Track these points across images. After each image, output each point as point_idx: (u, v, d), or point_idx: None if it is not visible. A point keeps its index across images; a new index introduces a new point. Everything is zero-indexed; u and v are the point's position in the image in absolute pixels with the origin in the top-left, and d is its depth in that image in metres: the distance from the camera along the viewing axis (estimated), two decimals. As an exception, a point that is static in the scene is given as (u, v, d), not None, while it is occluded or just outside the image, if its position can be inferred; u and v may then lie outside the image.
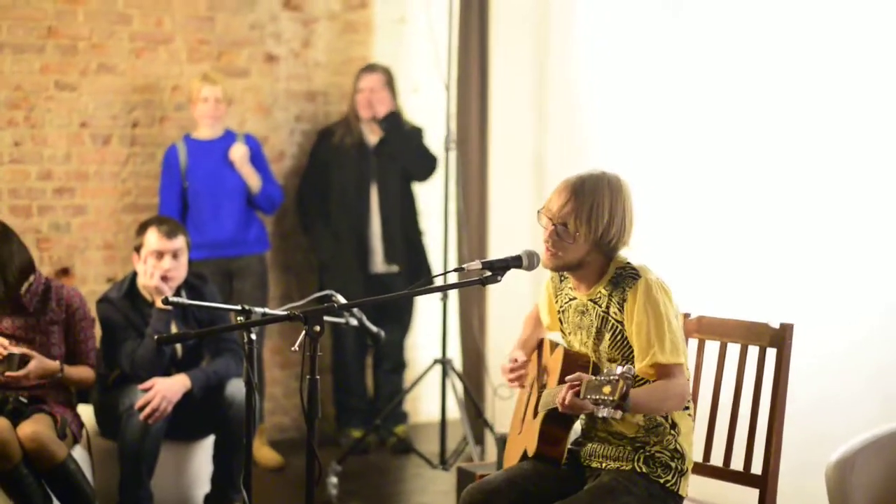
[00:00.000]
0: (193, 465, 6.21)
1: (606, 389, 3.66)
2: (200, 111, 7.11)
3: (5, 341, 5.48)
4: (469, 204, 7.32)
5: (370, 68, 7.57)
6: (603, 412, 3.66)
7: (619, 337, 4.11)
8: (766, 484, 4.28)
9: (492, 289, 7.14)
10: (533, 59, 7.02)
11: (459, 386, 7.02)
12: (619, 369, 3.66)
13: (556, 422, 4.23)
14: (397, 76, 7.76)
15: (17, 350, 5.45)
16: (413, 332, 8.06)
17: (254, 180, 7.15)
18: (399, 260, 7.59)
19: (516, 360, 4.47)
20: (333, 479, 6.56)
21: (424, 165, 7.63)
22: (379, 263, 7.59)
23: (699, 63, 5.76)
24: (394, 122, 7.49)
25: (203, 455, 6.20)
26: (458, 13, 7.20)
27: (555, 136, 6.85)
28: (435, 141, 7.56)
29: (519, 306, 6.74)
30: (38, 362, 5.46)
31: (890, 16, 4.95)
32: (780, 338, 4.31)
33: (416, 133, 7.63)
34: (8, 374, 5.41)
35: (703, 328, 4.57)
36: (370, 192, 7.55)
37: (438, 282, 7.08)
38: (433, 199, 7.86)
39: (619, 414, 3.66)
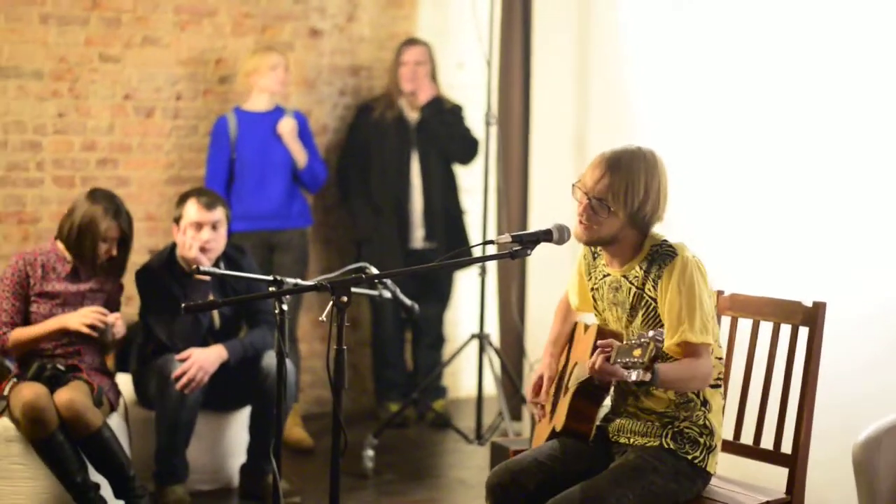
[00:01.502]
0: (229, 436, 6.25)
1: (637, 352, 3.65)
2: (269, 80, 7.12)
3: (103, 310, 5.62)
4: (510, 181, 7.31)
5: (412, 42, 7.57)
6: (633, 375, 3.65)
7: (651, 314, 4.09)
8: (795, 463, 4.26)
9: (531, 264, 7.14)
10: (576, 36, 6.98)
11: (497, 361, 7.03)
12: (651, 333, 3.67)
13: (586, 396, 4.21)
14: (441, 51, 7.76)
15: (113, 318, 5.61)
16: (452, 308, 8.06)
17: (301, 155, 7.17)
18: (439, 237, 7.59)
19: (540, 383, 4.47)
20: (370, 452, 6.57)
21: (465, 149, 7.63)
22: (419, 240, 7.59)
23: (738, 43, 5.71)
24: (435, 109, 7.50)
25: (239, 426, 6.24)
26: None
27: (596, 113, 6.82)
28: (476, 116, 7.55)
29: (558, 282, 6.72)
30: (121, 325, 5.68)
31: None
32: (812, 316, 4.29)
33: (457, 114, 7.62)
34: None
35: (735, 306, 4.55)
36: (410, 167, 7.55)
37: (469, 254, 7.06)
38: (474, 176, 7.85)
39: (648, 376, 3.65)
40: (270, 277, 4.48)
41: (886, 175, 5.01)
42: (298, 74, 7.72)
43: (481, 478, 6.49)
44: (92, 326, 5.55)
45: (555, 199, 7.00)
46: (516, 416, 7.14)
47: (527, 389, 5.15)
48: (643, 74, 6.40)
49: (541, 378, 4.47)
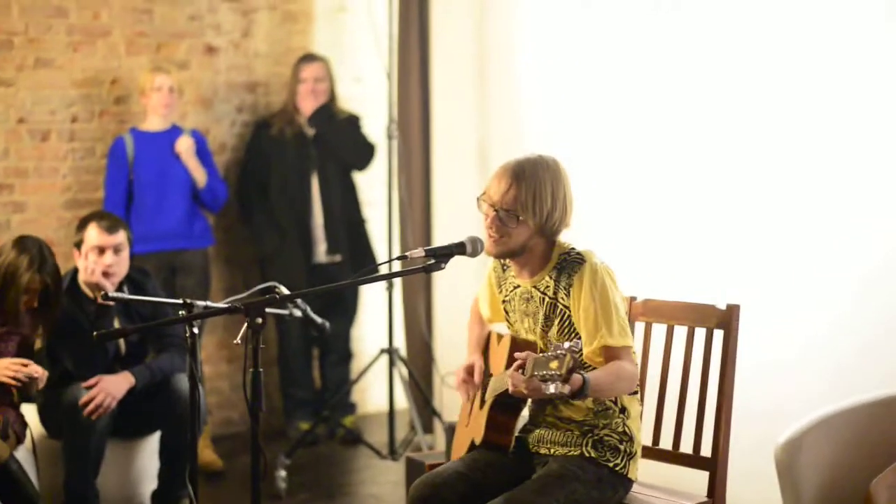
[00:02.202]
0: (140, 463, 6.15)
1: (554, 364, 3.62)
2: (154, 101, 7.05)
3: (26, 361, 5.43)
4: (412, 192, 7.29)
5: (311, 58, 7.52)
6: (551, 388, 3.62)
7: (566, 322, 4.09)
8: (715, 466, 4.27)
9: (437, 277, 7.13)
10: (474, 47, 6.99)
11: (406, 375, 6.99)
12: (567, 344, 3.63)
13: (503, 409, 4.20)
14: (338, 65, 7.72)
15: (37, 372, 5.42)
16: (358, 323, 8.00)
17: (199, 174, 7.09)
18: (342, 249, 7.54)
19: (472, 368, 4.43)
20: (282, 473, 6.51)
21: (361, 154, 7.59)
22: (322, 254, 7.54)
23: (637, 41, 5.74)
24: (322, 117, 7.45)
25: (149, 452, 6.13)
26: (397, 1, 7.16)
27: (497, 123, 6.83)
28: (377, 130, 7.51)
29: (465, 294, 6.71)
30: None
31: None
32: (727, 319, 4.31)
33: (353, 121, 7.58)
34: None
35: (648, 311, 4.56)
36: (311, 182, 7.50)
37: (382, 270, 7.03)
38: (377, 188, 7.82)
39: (567, 389, 3.61)
40: (180, 301, 4.40)
41: (796, 176, 5.07)
42: (195, 92, 7.63)
43: (396, 493, 6.49)
44: (15, 379, 5.42)
45: (459, 209, 7.01)
46: (427, 429, 7.10)
47: (451, 407, 5.12)
48: (542, 83, 6.43)
49: (471, 365, 4.42)
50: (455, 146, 7.12)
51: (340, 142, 7.52)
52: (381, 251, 7.71)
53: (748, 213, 5.22)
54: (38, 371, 5.39)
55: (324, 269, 7.51)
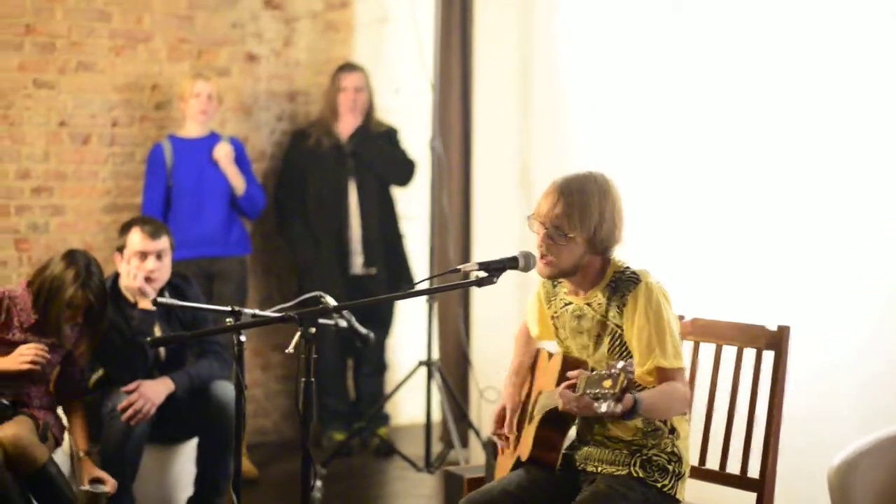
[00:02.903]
0: (176, 469, 6.14)
1: (607, 383, 3.59)
2: (192, 107, 7.05)
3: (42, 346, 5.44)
4: (453, 206, 7.26)
5: (351, 67, 7.51)
6: (603, 407, 3.59)
7: (617, 342, 4.06)
8: (763, 487, 4.23)
9: (476, 290, 7.09)
10: (517, 59, 6.97)
11: (442, 388, 6.97)
12: (620, 363, 3.60)
13: (552, 425, 4.17)
14: (377, 76, 7.72)
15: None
16: (393, 334, 7.98)
17: (238, 181, 7.09)
18: (378, 262, 7.53)
19: (502, 415, 4.41)
20: (317, 483, 6.48)
21: (401, 172, 7.59)
22: (358, 266, 7.52)
23: (689, 61, 5.72)
24: (361, 138, 7.45)
25: (186, 458, 6.12)
26: (441, 12, 7.14)
27: (539, 136, 6.81)
28: (417, 143, 7.50)
29: (504, 306, 6.72)
30: None
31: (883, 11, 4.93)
32: (777, 340, 4.27)
33: (393, 137, 7.57)
34: None
35: (697, 330, 4.53)
36: (348, 193, 7.48)
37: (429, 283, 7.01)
38: (417, 203, 7.80)
39: (619, 408, 3.58)
40: (229, 308, 4.39)
41: (847, 197, 5.03)
42: (235, 100, 7.64)
43: (431, 506, 6.47)
44: (33, 362, 5.41)
45: (499, 222, 6.99)
46: (463, 443, 7.08)
47: (489, 421, 5.08)
48: (587, 97, 6.40)
49: (503, 409, 4.42)
50: (496, 160, 7.10)
51: (377, 158, 7.51)
52: (420, 266, 7.69)
53: (800, 233, 5.19)
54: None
55: (359, 280, 7.49)
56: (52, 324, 5.42)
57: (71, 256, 5.47)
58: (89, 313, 5.48)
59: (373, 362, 7.74)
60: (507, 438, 4.40)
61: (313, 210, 7.47)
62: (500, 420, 4.42)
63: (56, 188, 7.15)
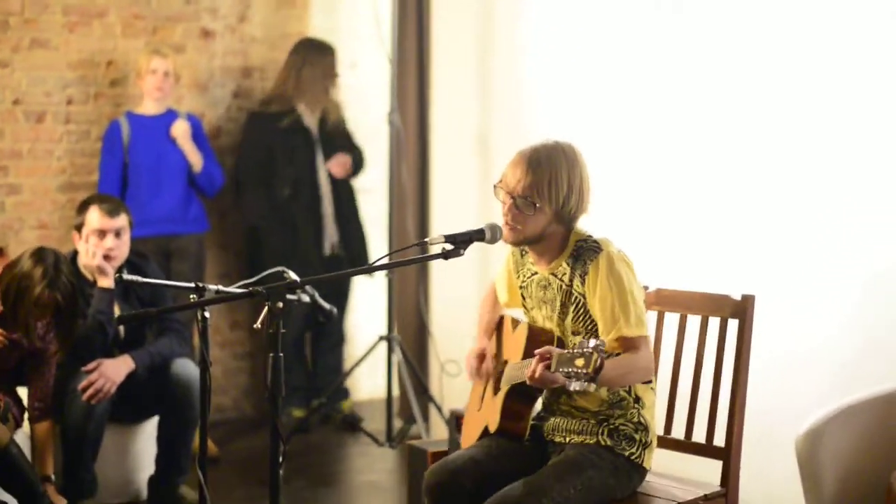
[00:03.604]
0: (137, 447, 6.12)
1: (580, 362, 3.60)
2: (149, 84, 6.99)
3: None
4: (409, 179, 7.24)
5: (328, 49, 7.44)
6: (575, 385, 3.60)
7: (581, 310, 4.07)
8: (729, 456, 4.25)
9: (434, 263, 7.08)
10: (476, 27, 6.94)
11: (403, 362, 6.95)
12: (592, 342, 3.61)
13: (519, 397, 4.18)
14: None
15: None
16: (351, 308, 7.97)
17: (196, 158, 7.04)
18: (345, 241, 7.51)
19: (483, 353, 4.41)
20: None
21: (359, 162, 7.56)
22: (332, 246, 7.48)
23: (654, 22, 5.70)
24: (329, 121, 7.45)
25: (147, 437, 6.10)
26: (396, -15, 7.11)
27: (499, 106, 6.79)
28: (374, 116, 7.46)
29: (463, 279, 6.72)
30: None
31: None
32: (742, 309, 4.28)
33: (346, 126, 7.57)
34: None
35: (662, 300, 4.54)
36: (318, 174, 7.43)
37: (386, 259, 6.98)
38: (372, 176, 7.78)
39: (592, 387, 3.60)
40: (192, 285, 4.35)
41: (812, 165, 5.05)
42: (190, 76, 7.58)
43: (393, 480, 6.47)
44: None
45: (459, 197, 6.97)
46: (424, 417, 7.07)
47: (451, 395, 5.11)
48: (547, 68, 6.38)
49: (482, 352, 4.41)
50: (454, 131, 7.08)
51: (346, 143, 7.51)
52: (378, 240, 7.68)
53: (761, 203, 5.21)
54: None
55: (330, 260, 7.46)
56: (20, 320, 5.36)
57: (39, 254, 5.39)
58: (58, 313, 5.43)
59: (333, 336, 7.71)
60: (487, 376, 4.38)
61: (280, 189, 7.39)
62: (481, 357, 4.41)
63: (11, 167, 7.08)
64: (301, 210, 7.39)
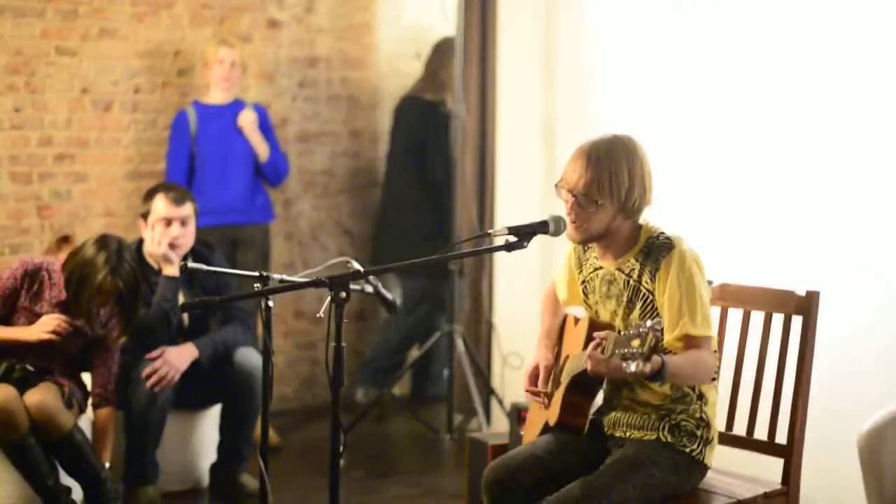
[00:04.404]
0: (200, 435, 6.16)
1: (635, 343, 3.56)
2: (216, 74, 7.03)
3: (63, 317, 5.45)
4: (474, 171, 7.23)
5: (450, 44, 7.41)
6: (632, 367, 3.56)
7: (649, 307, 4.03)
8: (791, 453, 4.21)
9: (498, 257, 7.08)
10: (541, 18, 6.91)
11: (465, 355, 6.95)
12: (648, 323, 3.58)
13: (579, 390, 4.15)
14: (399, 43, 7.69)
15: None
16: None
17: (262, 148, 7.07)
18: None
19: (536, 373, 4.37)
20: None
21: None
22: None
23: (721, 18, 5.65)
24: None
25: (210, 425, 6.14)
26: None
27: (564, 98, 6.75)
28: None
29: (527, 272, 6.70)
30: None
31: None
32: (806, 305, 4.24)
33: None
34: None
35: (726, 296, 4.50)
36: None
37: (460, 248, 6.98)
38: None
39: (648, 367, 3.56)
40: (256, 274, 4.38)
41: (879, 162, 4.99)
42: (257, 66, 7.62)
43: (452, 472, 6.46)
44: (54, 332, 5.41)
45: (524, 190, 6.95)
46: (485, 410, 7.07)
47: (512, 387, 5.09)
48: (615, 58, 6.33)
49: (536, 367, 4.38)
50: (519, 122, 7.05)
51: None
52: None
53: (829, 197, 5.14)
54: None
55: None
56: (82, 307, 5.40)
57: (103, 241, 5.43)
58: (121, 300, 5.46)
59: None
60: (544, 395, 4.36)
61: (430, 175, 7.56)
62: (534, 378, 4.37)
63: (78, 155, 7.14)
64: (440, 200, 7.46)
